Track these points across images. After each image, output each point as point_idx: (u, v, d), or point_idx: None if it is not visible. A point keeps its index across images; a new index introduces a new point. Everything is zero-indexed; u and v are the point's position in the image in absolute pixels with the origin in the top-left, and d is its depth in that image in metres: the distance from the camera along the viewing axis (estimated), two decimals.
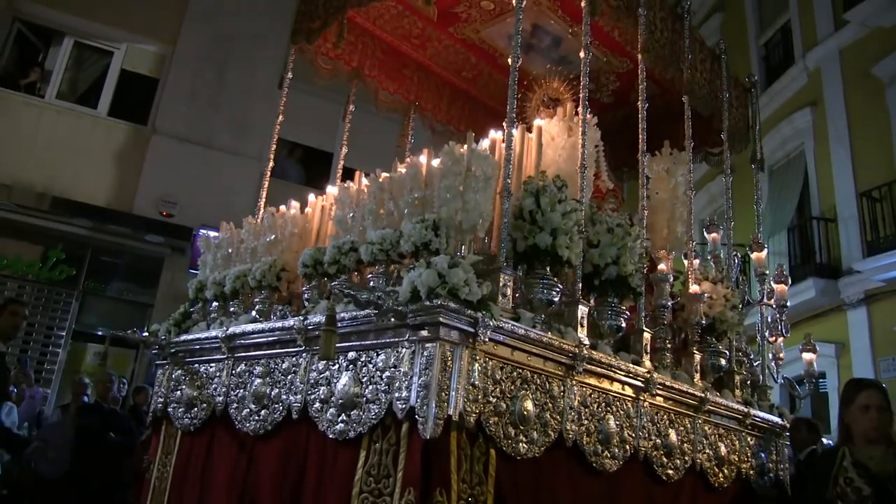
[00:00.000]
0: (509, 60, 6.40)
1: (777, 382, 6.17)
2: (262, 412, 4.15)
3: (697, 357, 5.12)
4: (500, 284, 3.75)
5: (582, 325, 4.17)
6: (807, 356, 6.07)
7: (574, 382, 3.96)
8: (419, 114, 6.89)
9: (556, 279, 4.05)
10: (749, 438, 5.50)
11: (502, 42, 6.40)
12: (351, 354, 3.73)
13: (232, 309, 4.78)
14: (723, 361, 5.32)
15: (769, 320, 6.16)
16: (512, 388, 3.61)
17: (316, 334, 3.89)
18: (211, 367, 4.67)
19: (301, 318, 3.99)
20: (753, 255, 6.05)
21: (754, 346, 6.28)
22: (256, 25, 12.13)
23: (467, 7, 5.97)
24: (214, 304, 4.96)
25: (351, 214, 4.24)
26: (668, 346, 4.98)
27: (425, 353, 3.32)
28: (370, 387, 3.55)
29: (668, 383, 4.60)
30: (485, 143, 4.17)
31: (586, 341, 4.08)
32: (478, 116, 7.11)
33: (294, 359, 4.07)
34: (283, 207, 4.93)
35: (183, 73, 12.25)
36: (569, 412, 3.89)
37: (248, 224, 4.99)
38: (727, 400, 5.26)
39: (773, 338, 6.12)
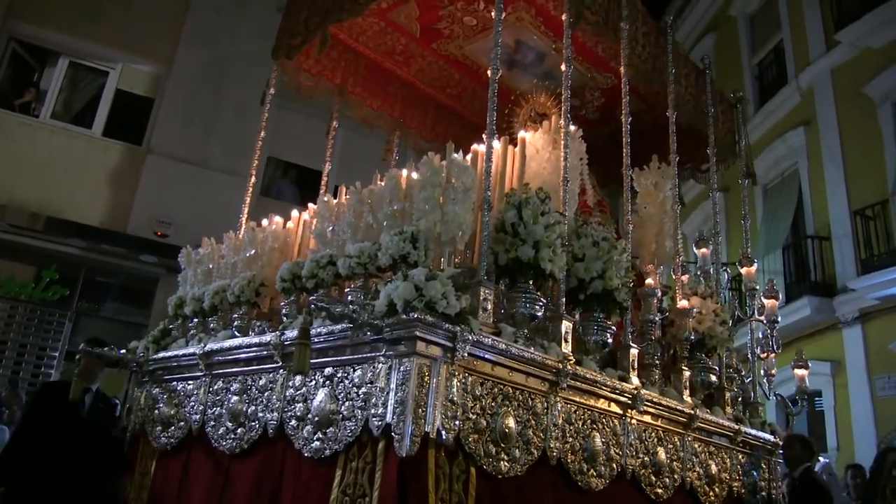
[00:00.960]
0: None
1: (770, 399, 6.07)
2: (239, 430, 4.06)
3: (687, 373, 5.03)
4: (481, 298, 3.67)
5: (566, 341, 4.09)
6: (798, 372, 5.99)
7: (558, 399, 3.87)
8: (403, 131, 6.85)
9: (539, 293, 3.98)
10: (740, 456, 5.40)
11: (486, 58, 6.31)
12: (328, 370, 3.65)
13: (211, 325, 4.70)
14: (713, 378, 5.25)
15: (760, 336, 6.07)
16: (493, 404, 3.52)
17: (293, 350, 3.81)
18: (189, 384, 4.58)
19: (278, 333, 3.91)
20: (743, 271, 5.99)
21: (748, 364, 6.17)
22: (251, 46, 12.06)
23: (450, 23, 5.95)
24: (194, 320, 4.87)
25: (330, 228, 4.17)
26: (657, 362, 4.89)
27: (402, 368, 3.24)
28: (346, 403, 3.46)
29: (656, 400, 4.51)
30: (470, 157, 4.12)
31: (571, 357, 4.00)
32: (464, 133, 7.05)
33: (271, 375, 3.99)
34: (265, 222, 4.86)
35: (178, 94, 12.22)
36: (552, 430, 3.80)
37: (228, 239, 4.92)
38: (717, 417, 5.18)
39: (765, 354, 6.03)
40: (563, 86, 4.72)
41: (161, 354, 4.84)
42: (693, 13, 16.25)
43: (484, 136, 4.09)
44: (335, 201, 4.29)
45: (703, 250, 6.08)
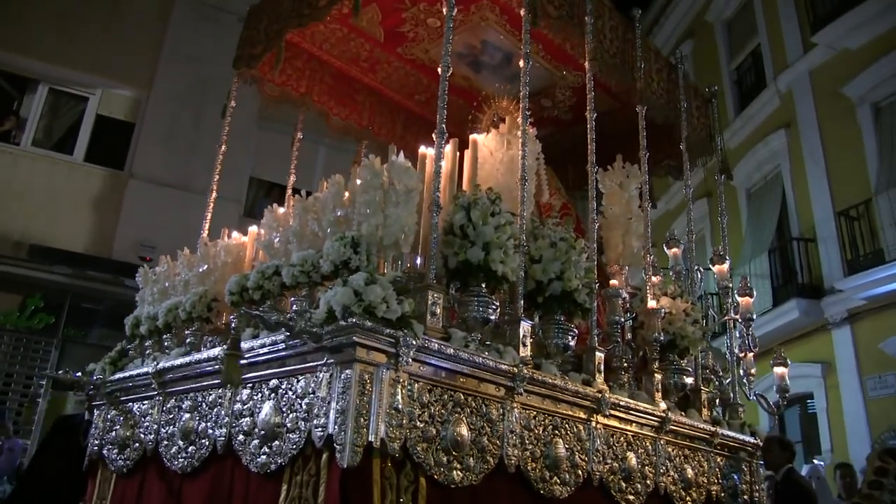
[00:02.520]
0: (461, 80, 6.50)
1: (750, 399, 5.94)
2: (190, 448, 3.95)
3: (658, 376, 4.91)
4: (429, 303, 3.57)
5: (524, 345, 3.99)
6: (778, 370, 5.87)
7: (515, 405, 3.76)
8: (373, 141, 6.75)
9: (492, 296, 3.87)
10: (719, 459, 5.27)
11: (452, 61, 6.26)
12: (273, 382, 3.55)
13: (166, 344, 4.59)
14: (686, 379, 5.11)
15: (738, 335, 5.95)
16: (443, 411, 3.41)
17: (240, 363, 3.71)
18: (144, 404, 4.48)
19: (224, 347, 3.80)
20: (715, 269, 5.87)
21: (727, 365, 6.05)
22: (230, 66, 12.06)
23: (413, 26, 5.86)
24: (151, 340, 4.77)
25: (277, 238, 4.07)
26: (625, 364, 4.78)
27: (342, 377, 3.14)
28: (291, 415, 3.37)
29: (623, 403, 4.39)
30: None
31: (529, 361, 3.89)
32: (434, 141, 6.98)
33: (220, 391, 3.88)
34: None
35: (159, 117, 12.15)
36: (509, 436, 3.68)
37: (183, 256, 4.83)
38: (693, 419, 5.05)
39: (743, 353, 5.91)
40: (522, 82, 4.63)
41: (117, 376, 4.73)
42: (669, 21, 16.25)
43: (433, 135, 4.01)
44: (282, 211, 4.20)
45: (675, 250, 5.97)
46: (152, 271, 5.09)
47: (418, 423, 3.28)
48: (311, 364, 3.34)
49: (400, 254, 3.71)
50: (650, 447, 4.63)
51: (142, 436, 4.37)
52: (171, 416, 4.20)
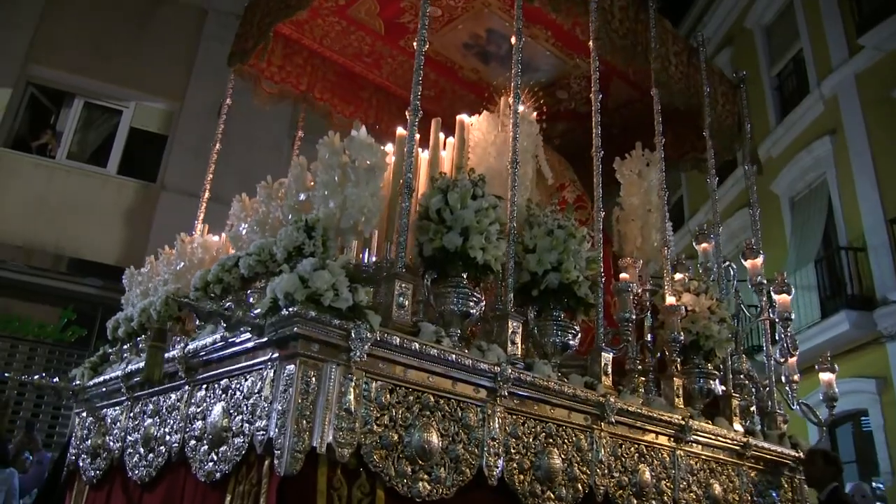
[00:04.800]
0: (471, 73, 6.15)
1: (793, 408, 5.35)
2: (149, 456, 3.65)
3: (678, 380, 4.42)
4: (395, 293, 3.20)
5: (513, 342, 3.58)
6: (824, 376, 5.29)
7: (499, 409, 3.34)
8: (380, 138, 6.43)
9: (474, 288, 3.48)
10: (753, 474, 4.73)
11: (458, 53, 5.94)
12: (224, 382, 3.23)
13: (140, 346, 4.31)
14: (713, 384, 4.60)
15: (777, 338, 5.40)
16: (407, 415, 3.02)
17: (195, 362, 3.40)
18: (115, 410, 4.21)
19: (182, 345, 3.49)
20: (747, 264, 5.33)
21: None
22: None
23: (413, 16, 5.53)
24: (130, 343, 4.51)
25: (243, 228, 3.76)
26: (639, 367, 4.32)
27: (285, 374, 2.78)
28: (237, 418, 3.02)
29: (632, 409, 3.92)
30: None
31: (517, 361, 3.48)
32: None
33: (178, 393, 3.57)
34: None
35: (190, 129, 12.08)
36: (490, 444, 3.26)
37: (163, 255, 4.56)
38: (721, 429, 4.53)
39: (784, 358, 5.34)
40: (514, 59, 4.25)
41: (94, 381, 4.48)
42: (706, 29, 15.57)
43: (407, 113, 3.65)
44: (250, 200, 3.90)
45: (704, 245, 5.45)
46: (137, 272, 4.83)
47: (375, 427, 2.90)
48: (257, 361, 3.00)
49: (364, 239, 3.37)
50: (667, 459, 4.13)
51: (110, 444, 4.09)
52: (136, 423, 3.90)
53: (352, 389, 2.84)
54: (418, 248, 3.48)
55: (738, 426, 4.71)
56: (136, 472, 3.70)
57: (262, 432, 2.79)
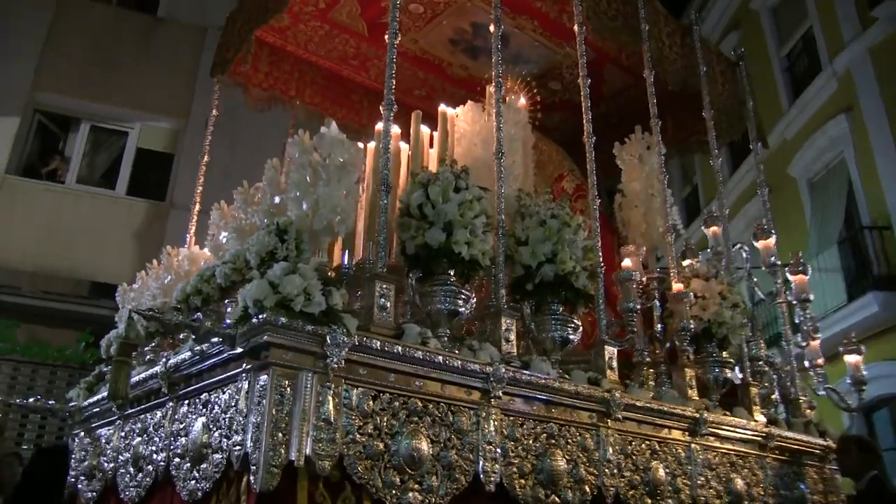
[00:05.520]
0: (460, 70, 5.99)
1: (820, 394, 5.11)
2: (139, 476, 3.52)
3: (690, 371, 4.22)
4: (376, 295, 3.04)
5: (507, 340, 3.41)
6: (850, 359, 5.05)
7: (494, 411, 3.17)
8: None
9: (463, 286, 3.31)
10: (778, 466, 4.50)
11: (445, 50, 5.78)
12: (203, 396, 3.08)
13: (133, 363, 4.19)
14: (729, 373, 4.39)
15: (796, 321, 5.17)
16: (393, 422, 2.86)
17: (177, 377, 3.27)
18: (108, 430, 4.09)
19: (164, 360, 3.36)
20: (760, 244, 5.10)
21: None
22: None
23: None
24: None
25: (224, 236, 3.63)
26: (647, 358, 4.13)
27: (258, 385, 2.64)
28: (216, 433, 2.88)
29: (640, 404, 3.72)
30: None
31: (513, 359, 3.32)
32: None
33: (163, 410, 3.44)
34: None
35: (196, 147, 12.04)
36: (486, 449, 3.08)
37: (152, 270, 4.45)
38: (740, 419, 4.32)
39: (806, 342, 5.11)
40: (493, 47, 4.09)
41: (88, 401, 4.38)
42: (712, 14, 15.27)
43: (381, 107, 3.51)
44: (228, 207, 3.77)
45: (714, 228, 5.23)
46: (129, 288, 4.73)
47: (358, 436, 2.74)
48: (232, 372, 2.86)
49: (345, 240, 3.21)
50: (682, 455, 3.93)
51: (104, 464, 3.98)
52: (127, 442, 3.78)
53: (330, 398, 2.68)
54: (401, 247, 3.33)
55: (759, 416, 4.49)
56: (127, 492, 3.57)
57: (238, 447, 2.64)
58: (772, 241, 5.07)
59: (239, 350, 2.72)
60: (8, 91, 11.35)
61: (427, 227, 3.23)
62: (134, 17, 12.93)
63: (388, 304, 3.06)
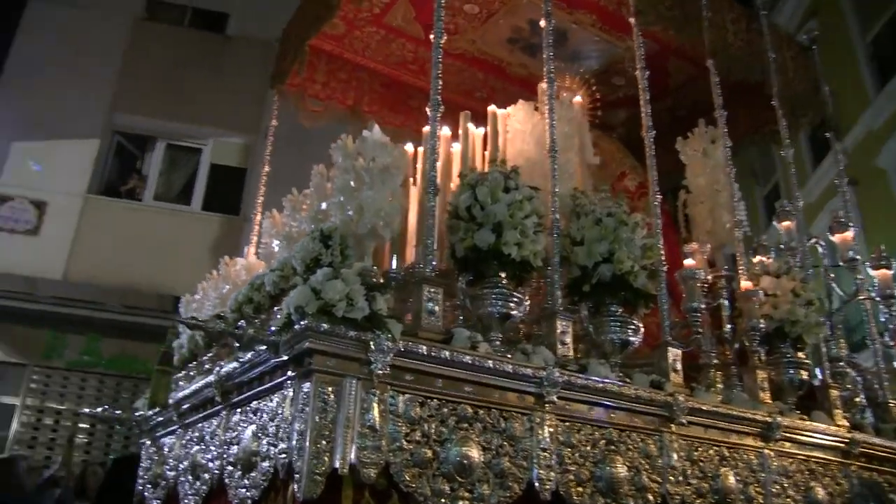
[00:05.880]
0: (519, 69, 5.89)
1: None
2: (196, 484, 3.54)
3: (762, 373, 4.01)
4: (424, 299, 2.98)
5: (563, 343, 3.30)
6: None
7: (548, 416, 3.06)
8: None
9: (515, 288, 3.22)
10: (865, 475, 4.23)
11: (504, 50, 5.69)
12: (254, 404, 3.07)
13: (192, 373, 4.24)
14: (805, 375, 4.16)
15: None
16: (442, 429, 2.78)
17: (230, 385, 3.27)
18: (170, 438, 4.14)
19: (217, 369, 3.37)
20: (836, 238, 4.83)
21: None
22: None
23: (451, 16, 5.31)
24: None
25: (276, 245, 3.63)
26: (715, 360, 3.94)
27: (302, 392, 2.61)
28: (264, 440, 2.87)
29: (707, 408, 3.55)
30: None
31: (569, 362, 3.20)
32: None
33: (217, 418, 3.45)
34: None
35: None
36: (540, 455, 2.98)
37: (211, 279, 4.50)
38: (819, 424, 4.08)
39: (894, 342, 4.81)
40: (544, 42, 3.99)
41: (152, 411, 4.44)
42: (789, 2, 14.64)
43: (427, 109, 3.45)
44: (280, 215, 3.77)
45: (786, 223, 4.99)
46: (192, 299, 4.80)
47: (405, 443, 2.67)
48: (279, 380, 2.84)
49: (394, 245, 3.16)
50: (755, 461, 3.73)
51: (167, 473, 4.03)
52: (186, 450, 3.82)
53: (375, 405, 2.63)
54: (451, 250, 3.26)
55: (841, 420, 4.24)
56: (186, 500, 3.60)
57: (283, 455, 2.61)
58: (849, 234, 4.80)
59: (283, 357, 2.70)
60: (88, 114, 11.82)
61: (476, 228, 3.16)
62: (204, 37, 13.32)
63: (437, 309, 2.99)
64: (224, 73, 12.75)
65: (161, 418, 4.29)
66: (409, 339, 2.75)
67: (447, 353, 2.82)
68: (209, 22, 13.69)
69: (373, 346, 2.61)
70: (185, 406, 3.85)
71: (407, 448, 2.67)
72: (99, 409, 4.45)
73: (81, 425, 10.78)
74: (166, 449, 4.16)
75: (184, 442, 3.89)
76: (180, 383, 4.39)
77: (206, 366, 3.96)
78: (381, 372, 2.63)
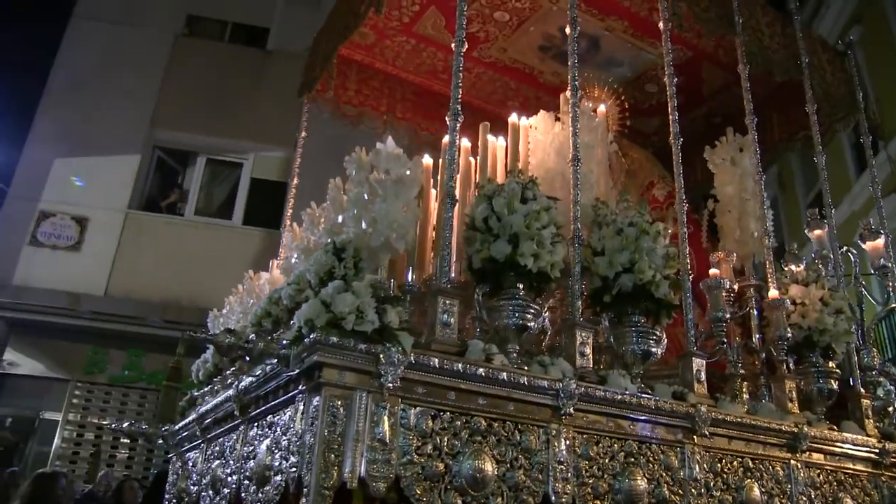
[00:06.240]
0: (552, 77, 5.87)
1: None
2: (216, 499, 3.56)
3: (790, 382, 3.92)
4: (439, 311, 2.98)
5: (583, 354, 3.27)
6: None
7: (564, 429, 3.02)
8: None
9: (534, 299, 3.20)
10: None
11: (535, 57, 5.69)
12: (269, 418, 3.10)
13: (216, 388, 4.29)
14: (834, 384, 4.06)
15: None
16: (454, 442, 2.77)
17: (247, 399, 3.30)
18: (195, 453, 4.19)
19: (237, 383, 3.40)
20: (867, 246, 4.71)
21: None
22: None
23: (482, 24, 5.35)
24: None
25: (294, 258, 3.66)
26: (742, 370, 3.87)
27: (312, 405, 2.61)
28: (277, 454, 2.88)
29: (730, 419, 3.48)
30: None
31: (588, 374, 3.17)
32: None
33: (236, 433, 3.48)
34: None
35: (308, 174, 12.40)
36: (556, 468, 2.94)
37: (237, 294, 4.55)
38: (849, 434, 3.97)
39: None
40: (569, 49, 3.96)
41: (179, 425, 4.50)
42: (831, 10, 14.32)
43: (447, 118, 3.46)
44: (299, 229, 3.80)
45: (818, 232, 4.88)
46: (219, 314, 4.86)
47: (416, 457, 2.67)
48: (291, 393, 2.85)
49: (410, 257, 3.17)
50: (781, 473, 3.65)
51: (191, 487, 4.07)
52: (208, 465, 3.86)
53: (386, 418, 2.62)
54: (468, 262, 3.25)
55: (872, 430, 4.13)
56: None
57: (294, 469, 2.62)
58: (880, 242, 4.68)
59: (294, 371, 2.71)
60: (129, 130, 12.06)
61: (492, 239, 3.14)
62: (245, 52, 13.50)
63: (452, 321, 2.98)
64: (264, 88, 12.90)
65: (186, 433, 4.34)
66: (421, 352, 2.74)
67: (460, 366, 2.80)
68: (249, 37, 13.90)
69: (383, 359, 2.60)
70: (207, 420, 3.89)
71: (418, 461, 2.66)
72: (125, 424, 4.50)
73: (124, 440, 10.95)
74: (190, 464, 4.21)
75: (206, 456, 3.93)
76: (206, 398, 4.46)
77: (230, 380, 4.00)
78: (391, 385, 2.62)
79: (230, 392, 3.43)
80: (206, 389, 4.46)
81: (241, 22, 13.81)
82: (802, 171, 14.56)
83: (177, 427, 4.49)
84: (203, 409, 3.93)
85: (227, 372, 4.07)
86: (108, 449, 11.06)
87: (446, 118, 3.47)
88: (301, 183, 12.34)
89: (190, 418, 4.26)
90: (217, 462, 3.65)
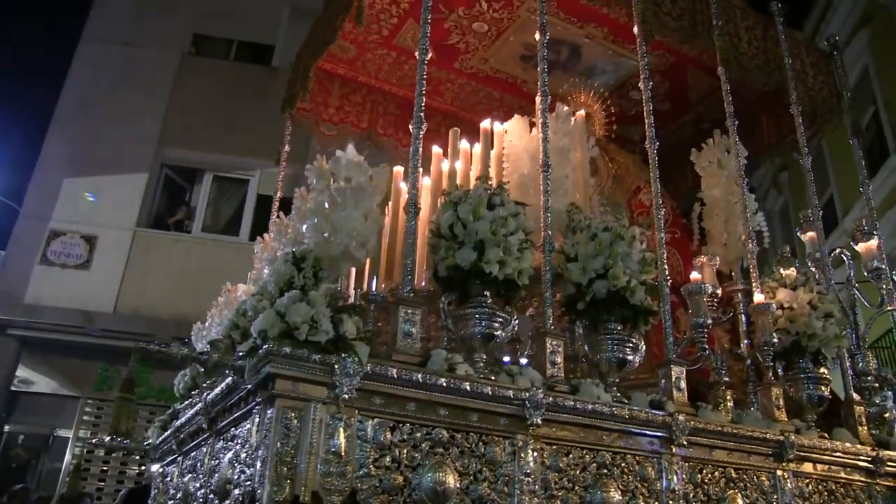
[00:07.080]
0: (534, 86, 5.78)
1: None
2: None
3: (776, 389, 3.82)
4: (401, 321, 2.92)
5: (553, 363, 3.20)
6: None
7: (531, 440, 2.95)
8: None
9: (502, 307, 3.14)
10: (890, 494, 3.98)
11: (518, 67, 5.64)
12: (232, 431, 3.05)
13: (195, 402, 4.25)
14: (825, 390, 3.95)
15: None
16: (414, 454, 2.71)
17: (215, 412, 3.26)
18: (172, 467, 4.16)
19: (204, 395, 3.37)
20: (860, 247, 4.59)
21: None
22: None
23: (461, 35, 5.32)
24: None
25: (266, 268, 3.62)
26: (726, 377, 3.77)
27: (266, 417, 2.56)
28: (237, 467, 2.83)
29: (710, 428, 3.38)
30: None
31: (558, 383, 3.10)
32: None
33: (206, 446, 3.44)
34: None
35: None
36: (523, 481, 2.87)
37: (216, 307, 4.52)
38: (841, 441, 3.86)
39: None
40: (539, 56, 3.91)
41: (160, 439, 4.47)
42: (837, 14, 14.13)
43: (410, 126, 3.41)
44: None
45: (810, 234, 4.77)
46: (203, 326, 4.83)
47: (373, 469, 2.61)
48: (249, 406, 2.81)
49: (373, 266, 3.11)
50: (766, 483, 3.54)
51: (168, 502, 4.04)
52: (182, 479, 3.83)
53: (341, 430, 2.57)
54: (434, 270, 3.20)
55: (866, 438, 4.01)
56: None
57: (248, 482, 2.58)
58: (873, 243, 4.56)
59: (250, 383, 2.67)
60: (136, 149, 12.13)
61: (457, 247, 3.08)
62: (250, 70, 13.55)
63: (414, 330, 2.93)
64: (270, 105, 12.87)
65: (165, 447, 4.31)
66: (379, 362, 2.68)
67: (419, 376, 2.74)
68: (255, 54, 13.96)
69: (337, 370, 2.55)
70: (182, 434, 3.86)
71: (375, 474, 2.61)
72: (107, 438, 4.47)
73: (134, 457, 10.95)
74: (168, 478, 4.18)
75: (181, 470, 3.90)
76: (186, 411, 4.43)
77: (205, 394, 3.97)
78: (347, 396, 2.57)
79: (199, 405, 3.40)
80: (186, 403, 4.43)
81: (247, 40, 13.89)
82: (814, 175, 14.33)
83: (158, 441, 4.46)
84: (178, 422, 3.90)
85: (204, 385, 4.03)
86: (117, 465, 11.05)
87: (409, 126, 3.41)
88: (285, 197, 12.39)
89: (168, 432, 4.24)
90: (189, 476, 3.62)
